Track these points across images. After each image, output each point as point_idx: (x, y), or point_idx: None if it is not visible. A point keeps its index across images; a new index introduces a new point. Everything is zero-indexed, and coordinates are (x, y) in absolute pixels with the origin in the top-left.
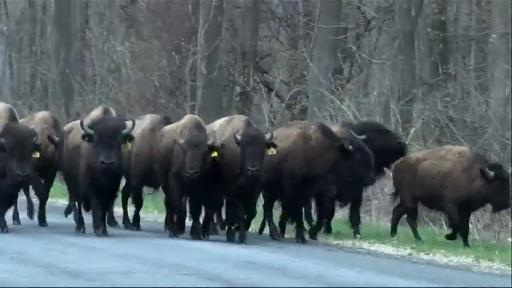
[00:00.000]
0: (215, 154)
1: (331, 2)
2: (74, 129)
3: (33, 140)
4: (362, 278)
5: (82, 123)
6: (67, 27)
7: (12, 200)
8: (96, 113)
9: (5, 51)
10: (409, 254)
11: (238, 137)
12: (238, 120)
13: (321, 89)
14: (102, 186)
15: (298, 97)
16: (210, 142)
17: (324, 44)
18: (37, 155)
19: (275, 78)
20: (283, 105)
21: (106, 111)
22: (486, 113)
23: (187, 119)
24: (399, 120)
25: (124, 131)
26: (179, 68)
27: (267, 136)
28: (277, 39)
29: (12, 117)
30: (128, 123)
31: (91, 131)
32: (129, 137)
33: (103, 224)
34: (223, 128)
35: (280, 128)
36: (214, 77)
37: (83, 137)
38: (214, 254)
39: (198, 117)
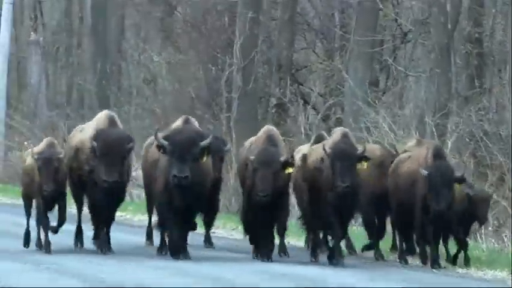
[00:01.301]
0: (290, 170)
1: (367, 15)
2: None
3: (128, 146)
4: None
5: (156, 134)
6: (103, 38)
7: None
8: (176, 122)
9: (41, 61)
10: (444, 268)
11: (328, 150)
12: (336, 133)
13: (357, 101)
14: (179, 205)
15: (333, 109)
16: (282, 159)
17: (360, 56)
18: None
19: (311, 90)
20: (319, 117)
21: (186, 121)
22: None
23: (262, 131)
24: (435, 133)
25: (202, 143)
26: (215, 80)
27: (359, 150)
28: (313, 51)
29: (111, 123)
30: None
31: (165, 142)
32: (207, 151)
33: (184, 247)
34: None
35: (412, 144)
36: (249, 89)
37: (159, 148)
38: (255, 268)
39: (274, 129)
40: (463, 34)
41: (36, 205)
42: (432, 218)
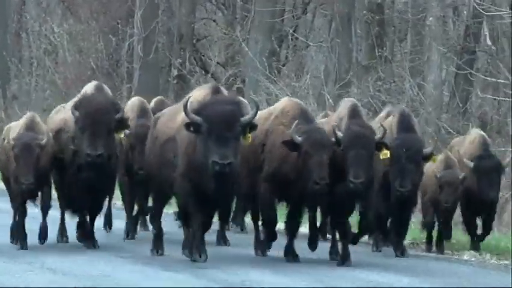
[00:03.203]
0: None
1: None
2: (165, 117)
3: (115, 116)
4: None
5: (185, 108)
6: (3, 9)
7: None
8: (203, 92)
9: None
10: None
11: (339, 134)
12: (343, 107)
13: (256, 73)
14: (209, 195)
15: (231, 79)
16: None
17: (261, 27)
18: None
19: (209, 59)
20: None
21: (216, 91)
22: (418, 96)
23: (287, 104)
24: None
25: (244, 119)
26: (116, 50)
27: (378, 134)
28: (214, 21)
29: (98, 90)
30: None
31: (199, 119)
32: (251, 126)
33: (203, 246)
34: (331, 115)
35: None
36: (150, 59)
37: (188, 126)
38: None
39: (300, 102)
40: (364, 3)
41: (10, 189)
42: (394, 200)
